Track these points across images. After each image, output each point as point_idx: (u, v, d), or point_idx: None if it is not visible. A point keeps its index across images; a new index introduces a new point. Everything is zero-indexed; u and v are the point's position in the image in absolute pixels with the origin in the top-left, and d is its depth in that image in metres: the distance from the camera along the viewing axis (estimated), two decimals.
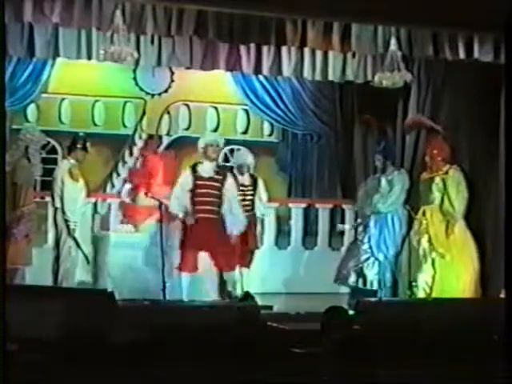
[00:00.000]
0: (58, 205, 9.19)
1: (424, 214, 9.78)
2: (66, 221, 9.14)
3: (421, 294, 9.49)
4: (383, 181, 10.06)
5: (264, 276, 10.57)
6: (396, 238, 9.98)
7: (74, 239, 9.17)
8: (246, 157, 10.47)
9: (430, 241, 9.66)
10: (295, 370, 5.06)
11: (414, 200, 10.00)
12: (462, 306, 7.83)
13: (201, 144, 9.50)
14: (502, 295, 7.63)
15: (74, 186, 9.24)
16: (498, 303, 6.72)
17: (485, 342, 5.76)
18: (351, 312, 6.73)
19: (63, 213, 9.15)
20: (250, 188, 10.08)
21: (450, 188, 9.73)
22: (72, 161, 9.29)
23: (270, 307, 8.69)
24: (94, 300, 6.55)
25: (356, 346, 4.55)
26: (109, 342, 5.62)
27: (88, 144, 9.41)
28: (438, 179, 9.81)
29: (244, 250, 9.88)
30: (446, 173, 9.80)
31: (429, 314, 7.05)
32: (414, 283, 9.57)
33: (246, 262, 9.93)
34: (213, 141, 9.57)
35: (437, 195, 9.79)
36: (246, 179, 10.10)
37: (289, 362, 5.19)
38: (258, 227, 10.16)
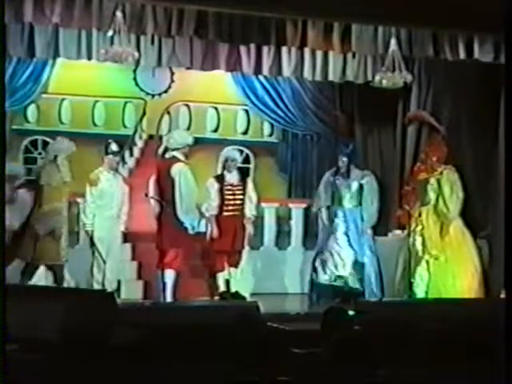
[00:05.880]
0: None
1: (420, 214, 9.81)
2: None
3: (417, 296, 9.53)
4: (355, 184, 10.14)
5: (264, 276, 10.58)
6: (369, 237, 10.12)
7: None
8: (231, 153, 10.50)
9: (423, 243, 9.68)
10: (295, 370, 5.06)
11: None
12: (462, 306, 7.83)
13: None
14: (502, 295, 7.64)
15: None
16: (498, 303, 6.71)
17: (485, 342, 5.75)
18: (351, 312, 6.73)
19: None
20: (238, 188, 10.02)
21: (445, 188, 9.76)
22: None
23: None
24: (93, 300, 6.55)
25: (356, 346, 4.54)
26: (109, 342, 5.62)
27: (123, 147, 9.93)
28: (432, 180, 9.84)
29: (232, 249, 9.88)
30: (441, 173, 9.83)
31: (429, 315, 7.04)
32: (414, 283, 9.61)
33: (234, 261, 9.91)
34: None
35: (432, 196, 9.82)
36: (234, 178, 10.05)
37: (288, 363, 5.19)
38: (249, 228, 10.07)
